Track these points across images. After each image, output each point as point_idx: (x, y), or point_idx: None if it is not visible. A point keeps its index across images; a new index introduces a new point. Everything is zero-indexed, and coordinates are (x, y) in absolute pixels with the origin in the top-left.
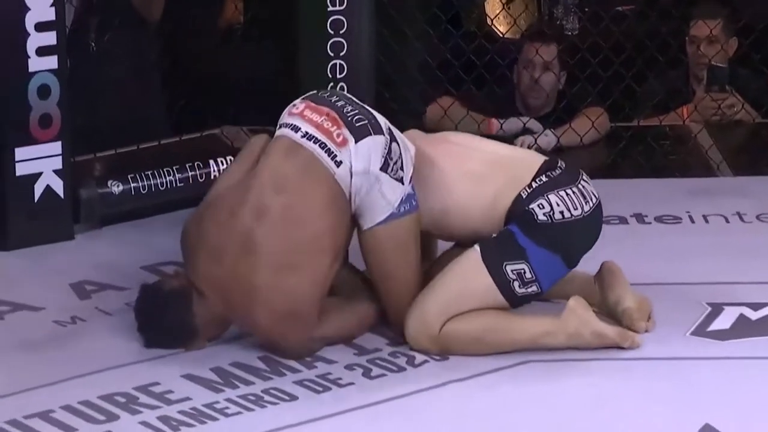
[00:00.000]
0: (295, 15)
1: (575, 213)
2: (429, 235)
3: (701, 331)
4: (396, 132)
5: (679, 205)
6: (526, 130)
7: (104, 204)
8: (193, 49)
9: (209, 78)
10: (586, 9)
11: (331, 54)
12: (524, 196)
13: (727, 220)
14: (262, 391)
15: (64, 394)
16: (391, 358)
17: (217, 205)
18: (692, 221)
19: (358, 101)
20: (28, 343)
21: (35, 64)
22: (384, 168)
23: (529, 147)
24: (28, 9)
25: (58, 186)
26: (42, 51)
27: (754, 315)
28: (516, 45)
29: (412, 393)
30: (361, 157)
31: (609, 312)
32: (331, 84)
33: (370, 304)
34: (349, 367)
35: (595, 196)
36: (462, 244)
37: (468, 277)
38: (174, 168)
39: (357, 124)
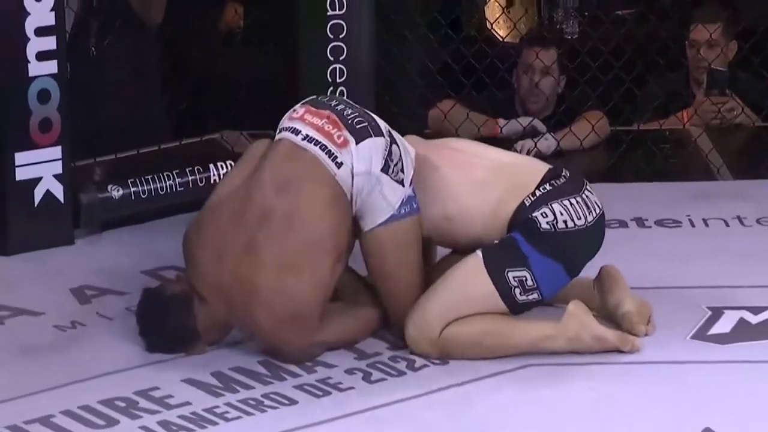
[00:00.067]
0: (295, 19)
1: (579, 223)
2: (430, 241)
3: (701, 334)
4: (396, 135)
5: (680, 208)
6: (531, 129)
7: (104, 208)
8: (193, 54)
9: (209, 82)
10: (586, 13)
11: (331, 58)
12: (527, 204)
13: (727, 224)
14: (262, 396)
15: (64, 399)
16: (392, 362)
17: (219, 209)
18: (692, 225)
19: (357, 105)
20: (28, 347)
21: (35, 68)
22: (385, 169)
23: (529, 151)
24: (28, 14)
25: (58, 190)
26: (42, 56)
27: (754, 319)
28: (516, 49)
29: (412, 397)
30: (362, 158)
31: (609, 316)
32: (331, 88)
33: (373, 309)
34: (350, 372)
35: (598, 206)
36: (462, 251)
37: (469, 282)
38: (174, 172)
39: (357, 126)
